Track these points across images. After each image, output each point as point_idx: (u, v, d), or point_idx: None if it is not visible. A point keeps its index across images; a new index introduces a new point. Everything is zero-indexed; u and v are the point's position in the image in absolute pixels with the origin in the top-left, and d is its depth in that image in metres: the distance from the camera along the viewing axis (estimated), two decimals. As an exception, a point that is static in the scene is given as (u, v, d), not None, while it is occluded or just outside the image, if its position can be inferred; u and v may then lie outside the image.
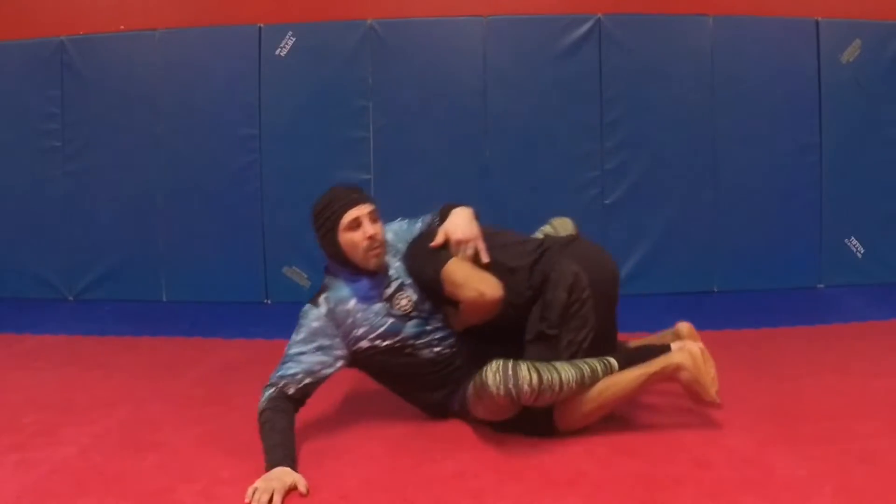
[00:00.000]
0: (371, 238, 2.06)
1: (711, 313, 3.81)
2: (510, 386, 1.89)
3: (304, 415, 2.31)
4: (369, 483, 1.82)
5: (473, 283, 2.03)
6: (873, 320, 3.50)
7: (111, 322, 3.92)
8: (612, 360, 2.06)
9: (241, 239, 4.40)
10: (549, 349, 2.05)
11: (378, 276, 2.14)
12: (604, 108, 4.30)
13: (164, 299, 4.47)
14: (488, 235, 2.21)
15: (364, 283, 2.13)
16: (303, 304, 2.17)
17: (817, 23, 4.32)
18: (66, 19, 4.54)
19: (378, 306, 2.11)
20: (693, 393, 2.07)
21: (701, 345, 2.17)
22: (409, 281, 2.16)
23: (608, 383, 2.02)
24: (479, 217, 2.23)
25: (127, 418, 2.34)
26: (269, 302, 4.38)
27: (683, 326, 2.39)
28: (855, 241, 4.41)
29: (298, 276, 4.36)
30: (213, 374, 2.84)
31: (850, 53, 4.31)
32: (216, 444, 2.09)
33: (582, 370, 1.99)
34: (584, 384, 1.99)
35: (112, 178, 4.45)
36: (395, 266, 2.19)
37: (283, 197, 4.36)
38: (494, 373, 1.91)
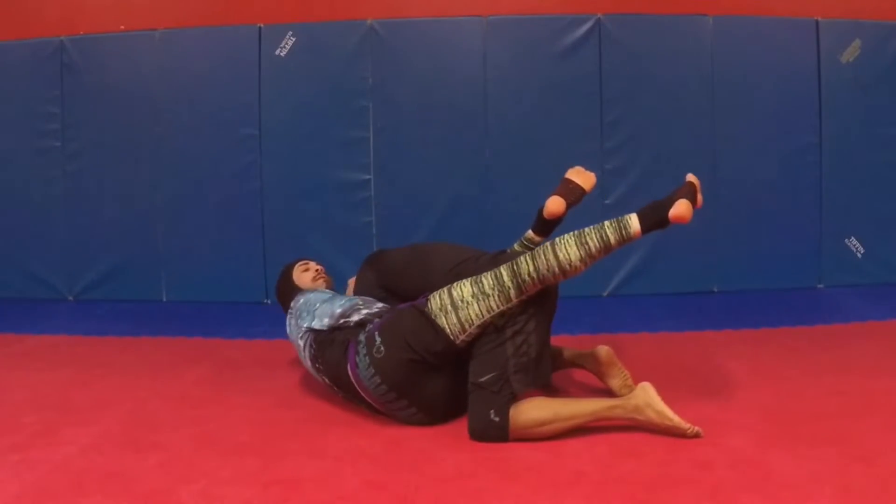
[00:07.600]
0: (318, 269, 2.76)
1: (711, 313, 3.81)
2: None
3: (303, 414, 2.32)
4: (369, 483, 1.82)
5: None
6: (873, 320, 3.50)
7: (111, 321, 3.92)
8: (632, 219, 2.09)
9: (241, 239, 4.39)
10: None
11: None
12: (604, 109, 4.30)
13: (164, 299, 4.47)
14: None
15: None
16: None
17: (817, 23, 4.32)
18: (66, 19, 4.54)
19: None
20: (664, 429, 2.05)
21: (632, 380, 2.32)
22: None
23: (565, 413, 2.05)
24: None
25: (127, 418, 2.34)
26: (269, 302, 4.37)
27: (603, 351, 2.36)
28: (855, 241, 4.41)
29: (298, 276, 4.35)
30: (213, 374, 2.84)
31: (850, 53, 4.31)
32: (216, 444, 2.09)
33: (588, 246, 2.07)
34: (588, 259, 2.09)
35: (112, 178, 4.44)
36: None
37: (283, 197, 4.36)
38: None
